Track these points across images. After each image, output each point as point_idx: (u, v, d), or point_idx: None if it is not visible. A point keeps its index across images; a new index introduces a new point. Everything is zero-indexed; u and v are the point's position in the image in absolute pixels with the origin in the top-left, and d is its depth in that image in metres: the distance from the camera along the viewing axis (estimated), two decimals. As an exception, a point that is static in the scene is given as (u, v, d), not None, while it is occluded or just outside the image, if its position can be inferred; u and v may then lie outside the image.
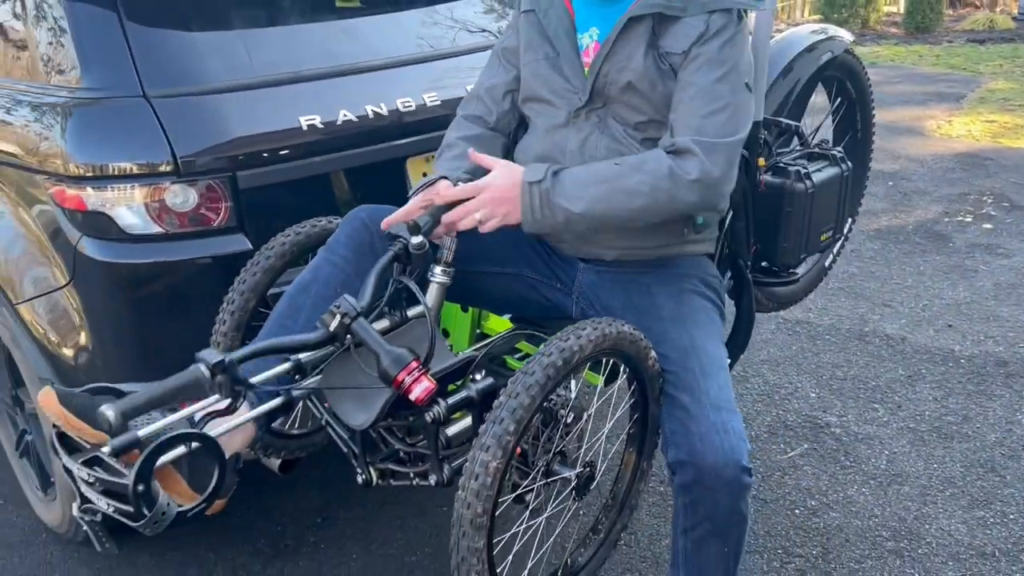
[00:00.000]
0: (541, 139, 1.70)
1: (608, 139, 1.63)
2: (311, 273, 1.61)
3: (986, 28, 11.42)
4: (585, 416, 1.51)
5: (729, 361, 2.03)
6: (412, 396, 1.29)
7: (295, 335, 1.36)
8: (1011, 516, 2.34)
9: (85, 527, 1.28)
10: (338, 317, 1.31)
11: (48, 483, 2.35)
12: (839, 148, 2.17)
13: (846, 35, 2.41)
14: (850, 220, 2.70)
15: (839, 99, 2.56)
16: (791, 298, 2.56)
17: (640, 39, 1.57)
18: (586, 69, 1.62)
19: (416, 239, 1.44)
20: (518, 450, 1.35)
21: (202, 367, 1.20)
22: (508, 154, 1.77)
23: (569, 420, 1.47)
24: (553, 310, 1.76)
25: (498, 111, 1.75)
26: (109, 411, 1.12)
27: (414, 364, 1.29)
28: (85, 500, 1.24)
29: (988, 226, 4.42)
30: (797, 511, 2.40)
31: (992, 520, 2.33)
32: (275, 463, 1.95)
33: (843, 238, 2.68)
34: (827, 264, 2.65)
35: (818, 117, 2.53)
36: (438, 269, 1.55)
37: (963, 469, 2.54)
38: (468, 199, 1.50)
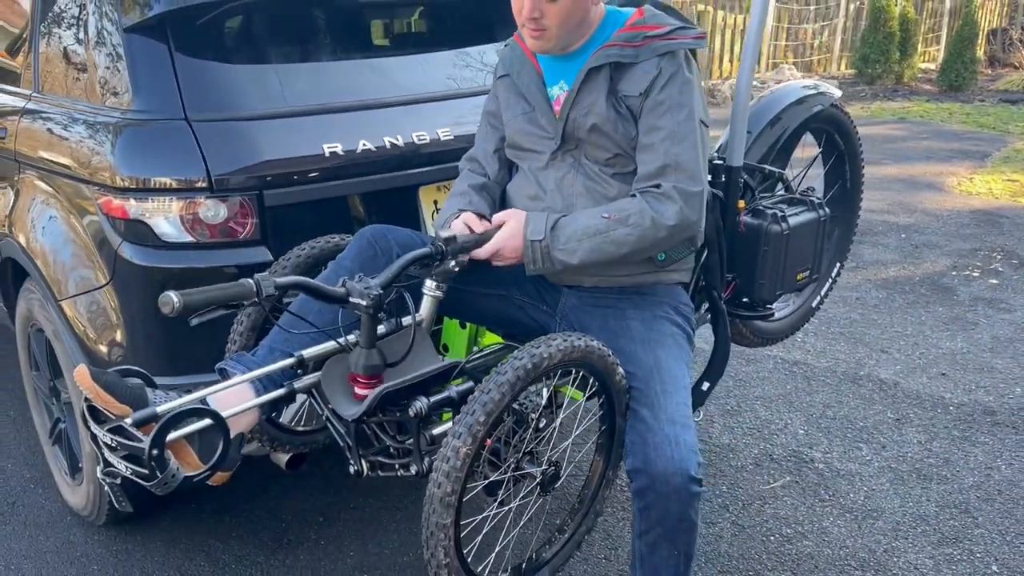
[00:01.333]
0: (527, 180, 1.93)
1: (583, 176, 1.83)
2: (320, 282, 1.80)
3: (1020, 88, 11.48)
4: (556, 422, 1.67)
5: (708, 385, 2.19)
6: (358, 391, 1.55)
7: (324, 286, 1.59)
8: (978, 555, 2.44)
9: (107, 488, 1.47)
10: (360, 299, 1.53)
11: (76, 468, 2.56)
12: (818, 195, 2.33)
13: (834, 91, 2.58)
14: (838, 265, 2.84)
15: (829, 151, 2.73)
16: (776, 335, 2.70)
17: (601, 87, 1.77)
18: (557, 116, 1.83)
19: (451, 260, 1.70)
20: (488, 442, 1.51)
21: (251, 280, 1.43)
22: (504, 195, 2.01)
23: (541, 424, 1.63)
24: (539, 329, 1.93)
25: (491, 169, 2.02)
26: (174, 296, 1.35)
27: (371, 378, 1.55)
28: (108, 464, 1.43)
29: (994, 281, 4.52)
30: (772, 538, 2.52)
31: (959, 557, 2.43)
32: (283, 459, 2.13)
33: (830, 281, 2.83)
34: (814, 305, 2.79)
35: (812, 168, 2.69)
36: (432, 284, 1.73)
37: (937, 508, 2.64)
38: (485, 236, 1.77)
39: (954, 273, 4.64)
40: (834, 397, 3.32)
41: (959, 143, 8.11)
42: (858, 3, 13.77)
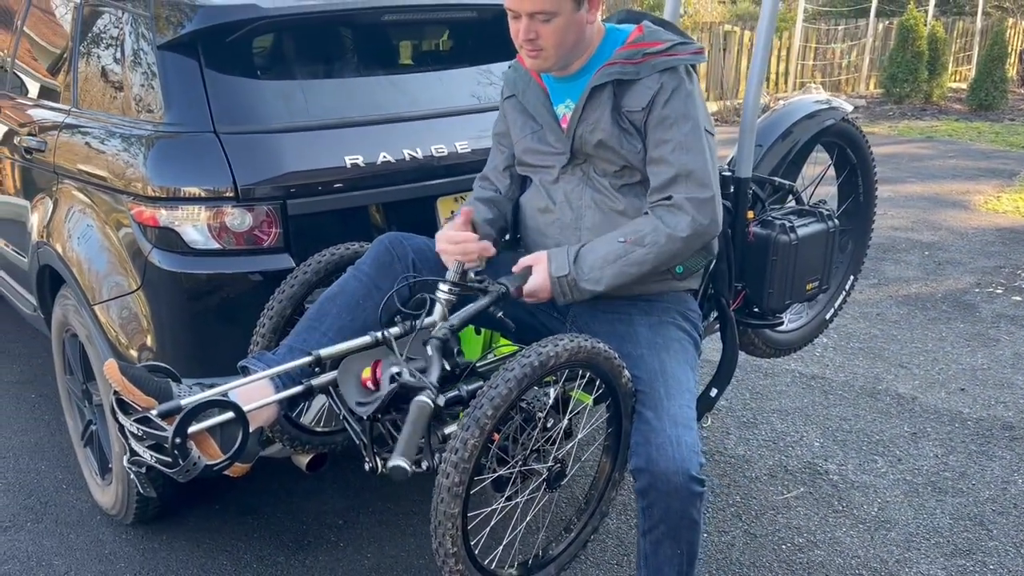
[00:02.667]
0: (538, 194, 2.00)
1: (592, 190, 1.90)
2: (339, 286, 1.88)
3: (1052, 108, 11.39)
4: (563, 422, 1.72)
5: (716, 391, 2.23)
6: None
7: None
8: (991, 566, 2.45)
9: (132, 476, 1.55)
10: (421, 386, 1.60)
11: (106, 469, 2.65)
12: (829, 207, 2.37)
13: (846, 105, 2.62)
14: (852, 278, 2.87)
15: (841, 165, 2.76)
16: (789, 346, 2.73)
17: (605, 104, 1.83)
18: (564, 134, 1.90)
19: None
20: (496, 437, 1.57)
21: (429, 404, 1.57)
22: (517, 206, 2.10)
23: (549, 424, 1.69)
24: (550, 334, 1.99)
25: (502, 185, 2.10)
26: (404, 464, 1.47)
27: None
28: (134, 453, 1.51)
29: (1018, 298, 4.50)
30: (784, 547, 2.54)
31: (971, 568, 2.44)
32: (303, 461, 2.21)
33: (844, 294, 2.86)
34: (827, 317, 2.82)
35: (828, 183, 2.73)
36: (444, 287, 1.80)
37: (951, 521, 2.65)
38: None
39: (977, 290, 4.63)
40: (851, 411, 3.33)
41: (987, 162, 8.06)
42: (887, 23, 13.75)
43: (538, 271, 1.82)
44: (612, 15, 2.02)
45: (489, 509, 1.78)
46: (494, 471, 1.62)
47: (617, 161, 1.86)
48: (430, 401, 1.55)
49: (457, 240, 1.84)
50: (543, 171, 1.98)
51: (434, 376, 1.62)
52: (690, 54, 1.82)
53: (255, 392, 1.64)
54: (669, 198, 1.81)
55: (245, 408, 1.55)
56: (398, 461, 1.45)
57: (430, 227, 2.41)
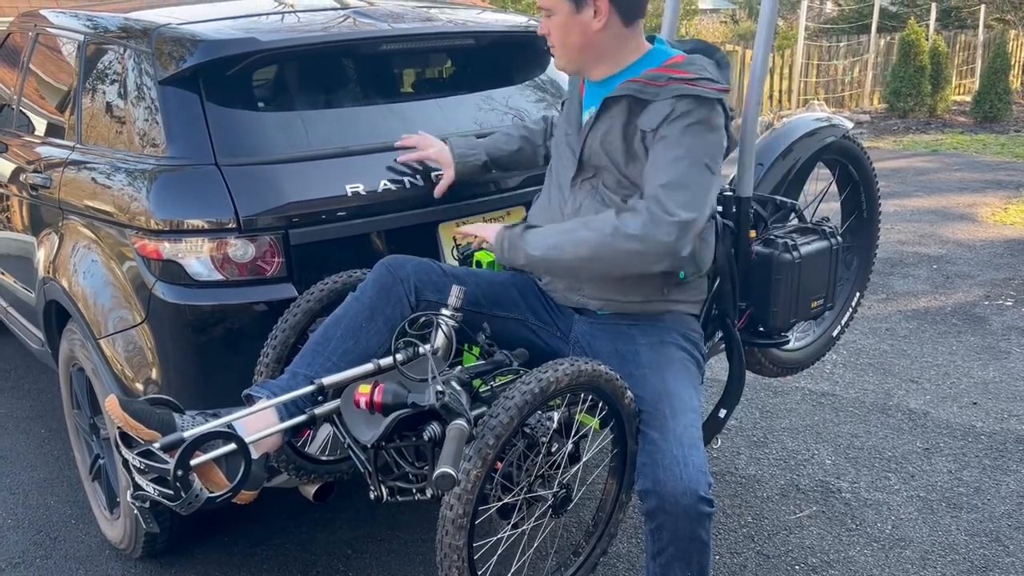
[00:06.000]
0: (546, 203, 2.03)
1: (599, 203, 1.90)
2: (342, 310, 1.89)
3: (1057, 118, 11.36)
4: (566, 446, 1.71)
5: (725, 412, 2.22)
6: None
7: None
8: (1008, 583, 2.41)
9: (135, 510, 1.55)
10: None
11: (114, 503, 2.64)
12: (832, 225, 2.36)
13: (846, 122, 2.62)
14: (858, 294, 2.86)
15: (843, 182, 2.76)
16: (796, 365, 2.71)
17: (616, 117, 1.85)
18: (578, 138, 1.93)
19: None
20: (499, 465, 1.56)
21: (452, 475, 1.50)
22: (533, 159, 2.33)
23: (553, 449, 1.68)
24: (553, 354, 1.99)
25: (534, 134, 2.33)
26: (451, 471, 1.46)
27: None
28: (137, 488, 1.50)
29: (1028, 310, 4.47)
30: (797, 567, 2.51)
31: (989, 586, 2.40)
32: (310, 491, 2.20)
33: (851, 310, 2.84)
34: (834, 334, 2.80)
35: (831, 200, 2.73)
36: (447, 312, 1.80)
37: (967, 537, 2.61)
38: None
39: (986, 302, 4.60)
40: (862, 427, 3.30)
41: (993, 174, 8.04)
42: (888, 38, 13.79)
43: (495, 224, 1.95)
44: (687, 40, 2.05)
45: (495, 538, 1.76)
46: (499, 499, 1.61)
47: (624, 180, 1.86)
48: (467, 425, 1.54)
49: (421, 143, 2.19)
50: (559, 177, 2.02)
51: (465, 402, 1.61)
52: (711, 89, 1.79)
53: (259, 421, 1.64)
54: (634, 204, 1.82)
55: (248, 439, 1.55)
56: (446, 468, 1.43)
57: (432, 253, 2.42)
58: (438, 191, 2.26)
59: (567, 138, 2.00)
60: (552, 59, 2.02)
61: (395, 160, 2.28)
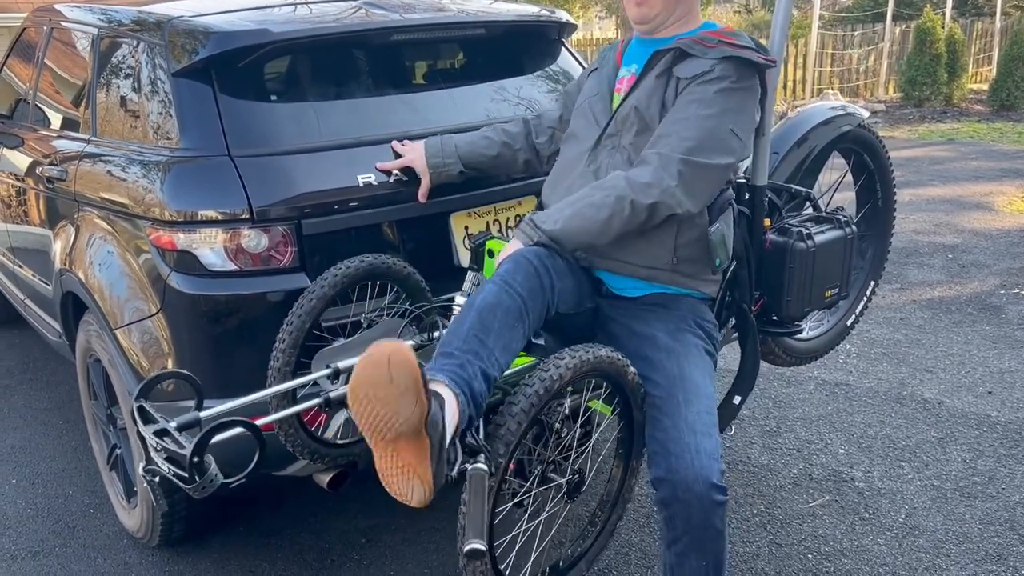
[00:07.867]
0: (564, 169, 2.04)
1: (622, 164, 1.91)
2: (495, 298, 1.70)
3: (1075, 106, 11.23)
4: (575, 431, 1.72)
5: (739, 399, 2.21)
6: None
7: None
8: (1023, 572, 2.40)
9: (146, 484, 1.56)
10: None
11: (132, 492, 2.67)
12: (847, 214, 2.35)
13: (861, 111, 2.60)
14: (872, 283, 2.84)
15: (858, 171, 2.74)
16: (810, 354, 2.71)
17: (660, 69, 1.88)
18: (616, 96, 1.96)
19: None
20: (511, 465, 1.57)
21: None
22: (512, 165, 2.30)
23: (563, 435, 1.68)
24: (578, 337, 1.95)
25: (537, 137, 2.28)
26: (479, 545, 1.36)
27: None
28: (150, 462, 1.52)
29: (1045, 299, 4.43)
30: (810, 556, 2.51)
31: (1003, 574, 2.39)
32: (325, 479, 2.21)
33: (865, 299, 2.83)
34: (848, 324, 2.79)
35: (846, 189, 2.71)
36: (460, 299, 1.80)
37: (982, 526, 2.60)
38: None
39: (1002, 292, 4.56)
40: (876, 417, 3.29)
41: (1009, 162, 7.96)
42: (904, 27, 13.67)
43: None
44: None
45: (511, 535, 1.76)
46: (514, 494, 1.61)
47: (644, 131, 1.88)
48: (486, 467, 1.46)
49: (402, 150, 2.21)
50: (577, 143, 2.02)
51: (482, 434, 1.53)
52: (758, 56, 1.83)
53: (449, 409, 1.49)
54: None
55: (260, 423, 1.55)
56: (474, 544, 1.33)
57: (444, 243, 2.43)
58: (420, 196, 2.26)
59: (592, 100, 2.02)
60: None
61: (375, 165, 2.27)
